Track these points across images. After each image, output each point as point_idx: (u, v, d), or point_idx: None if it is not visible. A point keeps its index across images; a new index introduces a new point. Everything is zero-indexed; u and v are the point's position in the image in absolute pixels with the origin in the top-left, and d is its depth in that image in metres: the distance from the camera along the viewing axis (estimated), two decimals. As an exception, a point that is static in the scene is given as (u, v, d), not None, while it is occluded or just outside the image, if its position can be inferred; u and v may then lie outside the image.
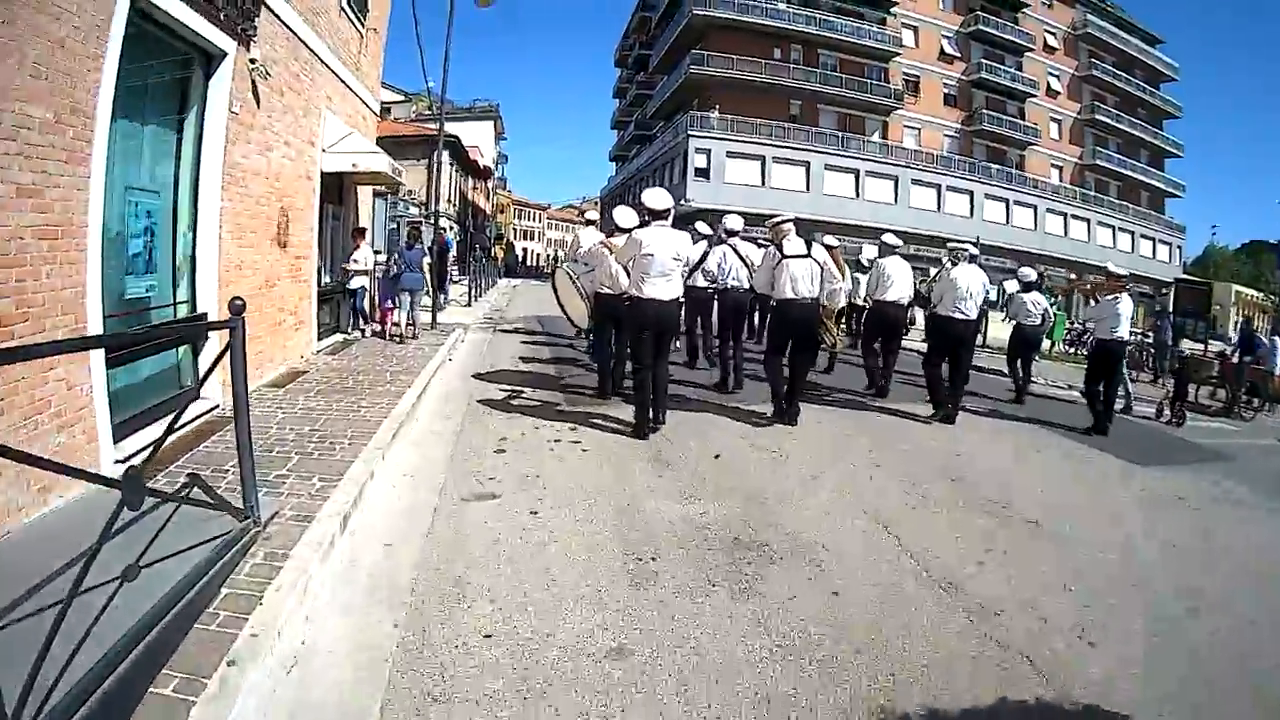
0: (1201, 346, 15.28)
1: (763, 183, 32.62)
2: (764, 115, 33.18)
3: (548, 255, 75.01)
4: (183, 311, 5.48)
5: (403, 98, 38.80)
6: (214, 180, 5.56)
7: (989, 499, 4.87)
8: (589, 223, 10.46)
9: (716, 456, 5.29)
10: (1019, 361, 9.84)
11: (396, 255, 11.19)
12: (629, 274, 6.08)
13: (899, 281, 8.61)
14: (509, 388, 7.58)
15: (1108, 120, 40.88)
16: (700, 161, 32.24)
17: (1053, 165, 40.09)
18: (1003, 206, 36.89)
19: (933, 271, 10.27)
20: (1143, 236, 42.43)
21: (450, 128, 35.23)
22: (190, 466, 4.16)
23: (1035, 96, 38.87)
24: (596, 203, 65.94)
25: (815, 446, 5.88)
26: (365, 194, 11.51)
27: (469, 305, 16.46)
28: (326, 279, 9.44)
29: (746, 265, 8.30)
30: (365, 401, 6.20)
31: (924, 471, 5.39)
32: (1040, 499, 5.01)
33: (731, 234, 8.66)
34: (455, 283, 18.65)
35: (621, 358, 7.22)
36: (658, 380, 5.88)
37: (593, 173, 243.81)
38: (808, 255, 6.46)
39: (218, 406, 5.62)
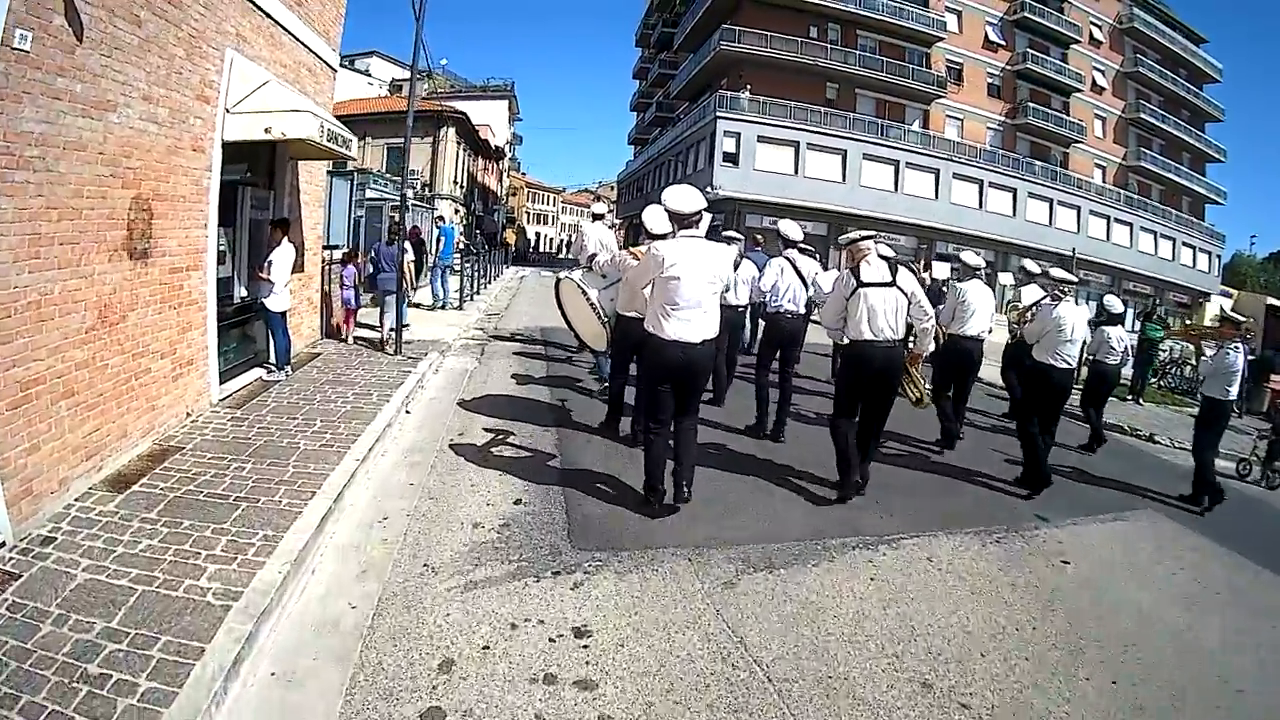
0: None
1: (796, 171, 29.80)
2: (798, 98, 30.34)
3: (561, 240, 72.78)
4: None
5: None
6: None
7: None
8: (596, 217, 8.72)
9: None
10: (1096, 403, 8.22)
11: (373, 253, 9.99)
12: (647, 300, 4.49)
13: (980, 311, 6.98)
14: (490, 433, 6.14)
15: (1152, 120, 37.99)
16: (729, 145, 29.33)
17: (1096, 165, 37.13)
18: (1046, 206, 33.97)
19: (1006, 291, 8.10)
20: (1184, 244, 39.62)
21: (461, 106, 33.24)
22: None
23: (1080, 91, 35.85)
24: (613, 187, 63.13)
25: (997, 658, 3.49)
26: (315, 172, 8.73)
27: (460, 308, 14.04)
28: (242, 292, 7.04)
29: (806, 285, 6.65)
30: (230, 535, 3.81)
31: None
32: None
33: (789, 244, 6.82)
34: (455, 272, 15.69)
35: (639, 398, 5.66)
36: (682, 442, 4.53)
37: (611, 156, 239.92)
38: (893, 284, 4.97)
39: (4, 544, 3.57)
